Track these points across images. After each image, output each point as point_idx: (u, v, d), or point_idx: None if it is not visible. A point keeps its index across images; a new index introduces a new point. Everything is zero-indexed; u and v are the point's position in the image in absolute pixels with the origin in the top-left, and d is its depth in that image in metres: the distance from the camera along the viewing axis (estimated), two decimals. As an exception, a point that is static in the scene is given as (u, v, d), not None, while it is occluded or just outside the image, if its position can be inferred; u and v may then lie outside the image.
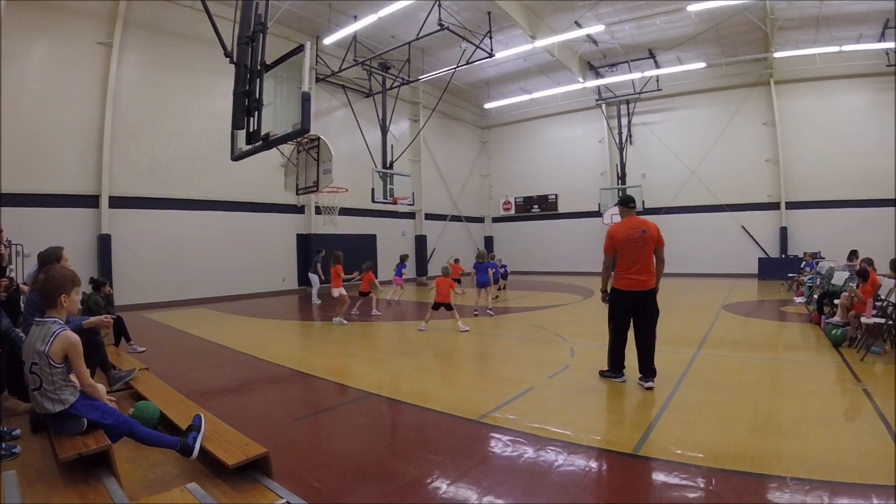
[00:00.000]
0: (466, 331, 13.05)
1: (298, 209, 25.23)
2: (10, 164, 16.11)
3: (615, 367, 7.96)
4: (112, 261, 18.76)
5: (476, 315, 15.54)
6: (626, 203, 8.14)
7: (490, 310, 16.20)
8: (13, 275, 9.45)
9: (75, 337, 4.15)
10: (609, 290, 8.07)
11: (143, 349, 10.83)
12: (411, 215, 32.77)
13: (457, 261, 18.03)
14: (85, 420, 4.11)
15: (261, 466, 4.32)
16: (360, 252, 27.65)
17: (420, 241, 33.71)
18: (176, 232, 20.86)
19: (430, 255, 33.83)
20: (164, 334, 13.83)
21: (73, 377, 4.19)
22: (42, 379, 3.98)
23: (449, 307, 13.53)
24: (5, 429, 4.85)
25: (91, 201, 18.67)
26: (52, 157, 17.74)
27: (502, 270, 23.20)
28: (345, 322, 14.34)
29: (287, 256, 25.58)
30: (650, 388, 7.33)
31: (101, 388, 4.43)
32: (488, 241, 40.36)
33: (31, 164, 17.15)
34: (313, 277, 21.30)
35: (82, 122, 18.52)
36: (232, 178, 18.75)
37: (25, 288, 9.22)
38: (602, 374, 8.13)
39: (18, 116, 16.79)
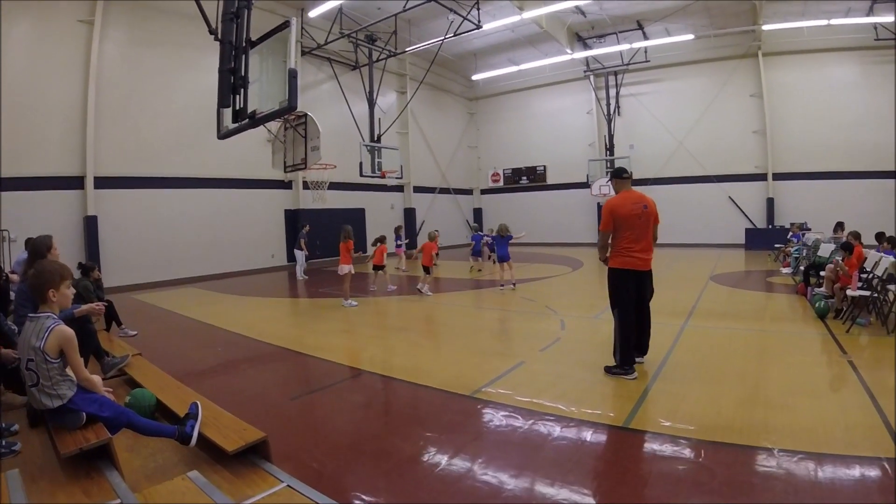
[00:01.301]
0: (428, 295, 13.99)
1: (286, 185, 25.12)
2: (-7, 149, 16.07)
3: (626, 360, 6.93)
4: (99, 242, 18.67)
5: (501, 289, 15.39)
6: (619, 174, 7.53)
7: (513, 283, 15.78)
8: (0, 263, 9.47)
9: (70, 331, 4.16)
10: (608, 272, 7.28)
11: (135, 333, 10.89)
12: (400, 188, 32.67)
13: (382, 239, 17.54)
14: (84, 414, 4.13)
15: (259, 451, 4.38)
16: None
17: (409, 214, 33.65)
18: (163, 211, 20.77)
19: (420, 228, 33.78)
20: (155, 316, 13.82)
21: (69, 371, 4.20)
22: (39, 375, 3.99)
23: (428, 271, 14.46)
24: (4, 425, 4.87)
25: (76, 182, 18.52)
26: (36, 139, 17.52)
27: (489, 240, 23.31)
28: (354, 303, 14.05)
29: (276, 232, 25.51)
30: (640, 363, 7.18)
31: (97, 379, 4.44)
32: (477, 213, 40.36)
33: (13, 147, 16.78)
34: (298, 254, 21.29)
35: (65, 101, 18.29)
36: (218, 155, 18.68)
37: (15, 277, 9.24)
38: (609, 370, 7.06)
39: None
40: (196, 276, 21.45)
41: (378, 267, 16.78)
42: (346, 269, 14.30)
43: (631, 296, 7.06)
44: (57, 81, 18.03)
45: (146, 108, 20.40)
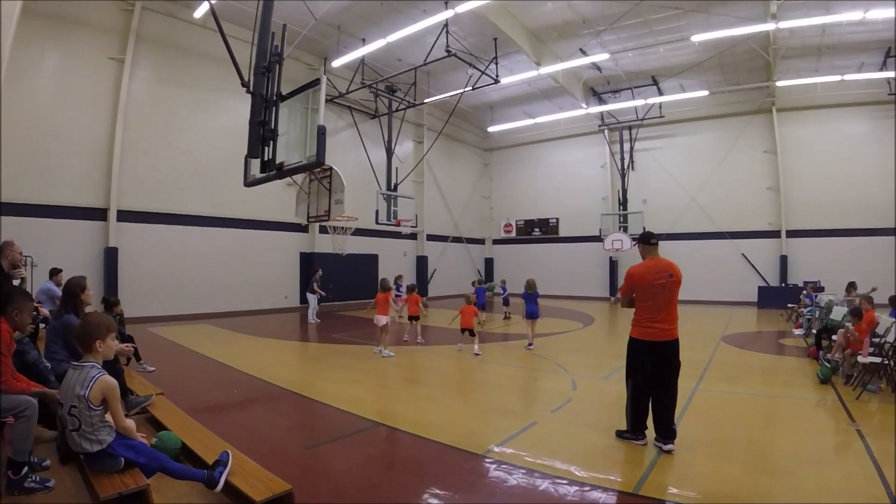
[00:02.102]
0: (479, 354, 13.43)
1: (302, 228, 25.39)
2: (18, 174, 16.58)
3: (636, 427, 6.81)
4: (118, 273, 19.04)
5: (530, 347, 14.59)
6: (646, 240, 7.13)
7: (531, 344, 14.79)
8: (21, 284, 9.63)
9: (113, 382, 4.39)
10: (628, 340, 6.96)
11: (153, 369, 11.07)
12: (413, 236, 32.82)
13: (413, 288, 17.36)
14: (122, 459, 4.32)
15: (284, 501, 4.49)
16: (362, 272, 27.94)
17: (421, 262, 33.86)
18: (181, 247, 21.16)
19: (431, 276, 33.95)
20: (171, 352, 14.01)
21: (108, 417, 4.38)
22: (81, 421, 4.18)
23: (472, 333, 13.79)
24: (35, 459, 5.00)
25: (99, 214, 18.95)
26: (61, 169, 18.02)
27: (500, 292, 23.58)
28: (391, 354, 13.80)
29: (290, 274, 25.77)
30: (670, 451, 6.43)
31: (132, 424, 4.61)
32: (489, 263, 40.62)
33: (39, 175, 17.43)
34: (311, 297, 21.39)
35: (92, 135, 18.83)
36: (238, 196, 18.96)
37: (42, 309, 9.44)
38: (620, 434, 6.98)
39: (28, 127, 17.14)
40: (210, 312, 21.69)
41: (414, 318, 16.55)
42: (383, 319, 14.13)
43: (647, 368, 6.68)
44: (85, 114, 18.60)
45: (170, 146, 20.95)
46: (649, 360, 6.68)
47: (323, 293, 21.43)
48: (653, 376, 6.69)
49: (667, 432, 6.59)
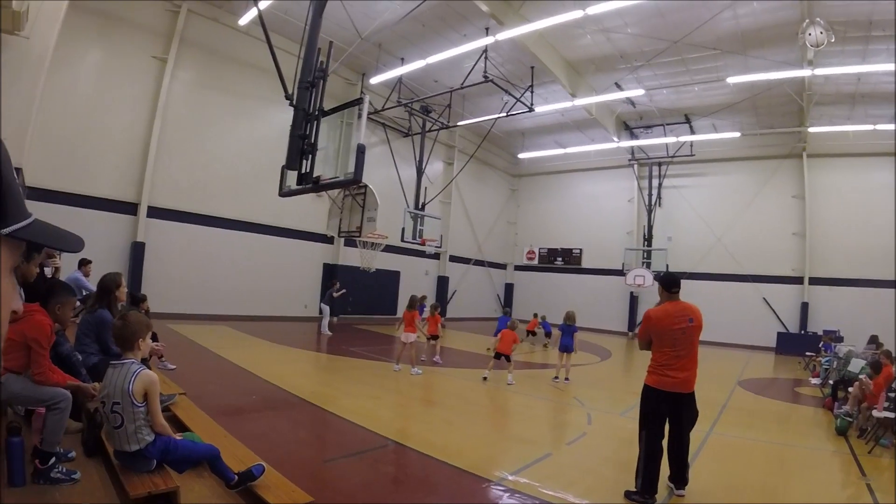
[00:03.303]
0: (511, 384, 13.15)
1: (328, 239, 25.55)
2: (54, 163, 16.94)
3: (647, 488, 6.12)
4: (143, 268, 19.29)
5: (556, 381, 14.39)
6: (667, 287, 6.60)
7: (567, 378, 14.51)
8: (56, 273, 9.80)
9: (154, 376, 4.48)
10: (642, 388, 6.55)
11: (174, 367, 11.19)
12: (436, 255, 32.82)
13: (435, 308, 17.42)
14: (154, 462, 4.41)
15: (305, 513, 4.53)
16: (383, 288, 28.07)
17: (442, 282, 33.91)
18: (207, 247, 21.41)
19: (451, 297, 33.99)
20: (192, 352, 14.16)
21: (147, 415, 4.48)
22: (124, 417, 4.26)
23: (508, 359, 13.51)
24: (61, 450, 5.08)
25: (130, 208, 19.27)
26: (97, 161, 18.38)
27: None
28: (419, 371, 13.97)
29: (312, 284, 25.90)
30: (680, 496, 6.28)
31: (166, 424, 4.71)
32: (509, 288, 40.52)
33: (75, 165, 17.78)
34: (325, 308, 21.45)
35: (130, 131, 19.20)
36: (267, 203, 19.13)
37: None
38: (629, 496, 6.23)
39: (68, 118, 17.50)
40: (229, 314, 21.82)
41: (433, 337, 16.64)
42: (411, 337, 14.24)
43: (662, 419, 6.34)
44: (125, 110, 18.96)
45: (204, 149, 21.28)
46: (665, 411, 6.34)
47: (335, 294, 21.53)
48: (670, 427, 6.40)
49: (681, 478, 6.37)
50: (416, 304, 14.98)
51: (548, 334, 23.45)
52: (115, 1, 18.23)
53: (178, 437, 4.85)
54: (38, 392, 4.78)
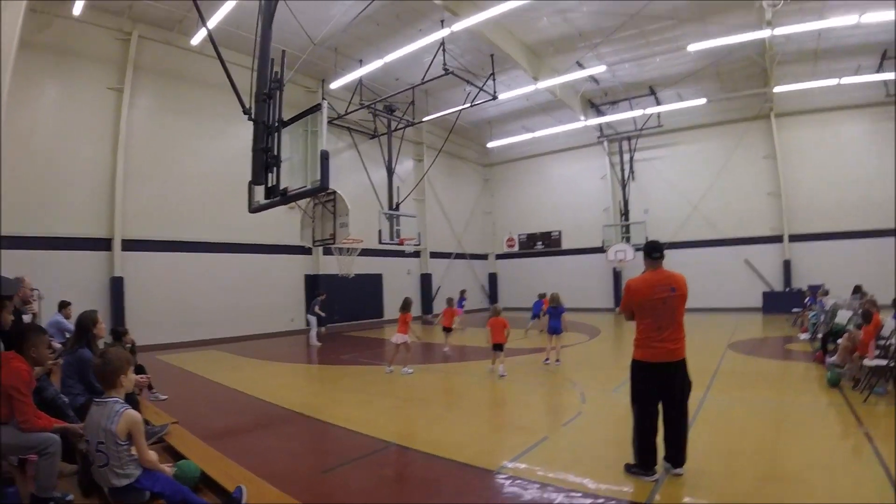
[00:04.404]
0: (504, 376, 12.88)
1: (306, 251, 25.30)
2: (22, 207, 16.60)
3: (644, 462, 6.14)
4: (125, 303, 19.11)
5: (547, 364, 14.48)
6: (649, 252, 6.49)
7: (558, 360, 14.69)
8: (33, 319, 9.74)
9: (137, 415, 4.45)
10: (631, 364, 6.42)
11: (165, 397, 11.07)
12: (416, 254, 32.88)
13: (450, 302, 17.57)
14: (147, 492, 4.37)
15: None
16: (367, 292, 28.04)
17: (425, 280, 33.93)
18: (187, 274, 21.26)
19: (436, 293, 33.98)
20: (182, 379, 14.06)
21: (133, 451, 4.45)
22: (109, 456, 4.23)
23: (501, 348, 13.30)
24: (59, 494, 5.03)
25: (103, 244, 19.06)
26: (64, 201, 18.15)
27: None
28: (410, 371, 14.09)
29: (295, 297, 25.84)
30: (678, 475, 6.09)
31: (155, 456, 4.67)
32: (492, 278, 40.65)
33: (43, 208, 17.56)
34: (311, 319, 21.33)
35: (94, 165, 18.98)
36: (242, 221, 18.88)
37: (53, 343, 9.52)
38: (628, 469, 6.28)
39: (30, 160, 17.26)
40: (218, 338, 21.71)
41: (447, 330, 17.02)
42: (402, 338, 14.19)
43: (653, 392, 6.14)
44: (86, 146, 18.76)
45: (173, 174, 21.10)
46: (655, 384, 6.14)
47: (322, 314, 21.42)
48: (663, 400, 6.14)
49: (677, 457, 6.14)
50: (408, 306, 14.90)
51: (535, 316, 23.42)
52: (64, 32, 18.07)
53: (169, 468, 4.84)
54: (27, 439, 4.74)
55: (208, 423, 9.34)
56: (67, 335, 10.17)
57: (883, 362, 9.65)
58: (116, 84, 19.46)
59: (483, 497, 5.86)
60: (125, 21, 19.62)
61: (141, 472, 4.39)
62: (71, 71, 18.51)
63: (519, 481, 6.18)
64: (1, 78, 11.04)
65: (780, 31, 19.47)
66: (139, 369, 9.60)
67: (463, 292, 22.37)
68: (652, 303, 6.17)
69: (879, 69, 23.97)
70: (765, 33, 19.91)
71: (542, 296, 22.93)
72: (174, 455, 6.24)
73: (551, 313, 14.89)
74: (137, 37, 19.84)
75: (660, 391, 6.13)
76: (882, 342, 10.11)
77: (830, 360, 11.65)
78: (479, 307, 35.15)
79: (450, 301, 17.56)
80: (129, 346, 10.71)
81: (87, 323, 6.78)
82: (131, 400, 5.82)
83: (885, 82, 24.87)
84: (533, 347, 17.71)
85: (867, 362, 9.81)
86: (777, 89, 25.65)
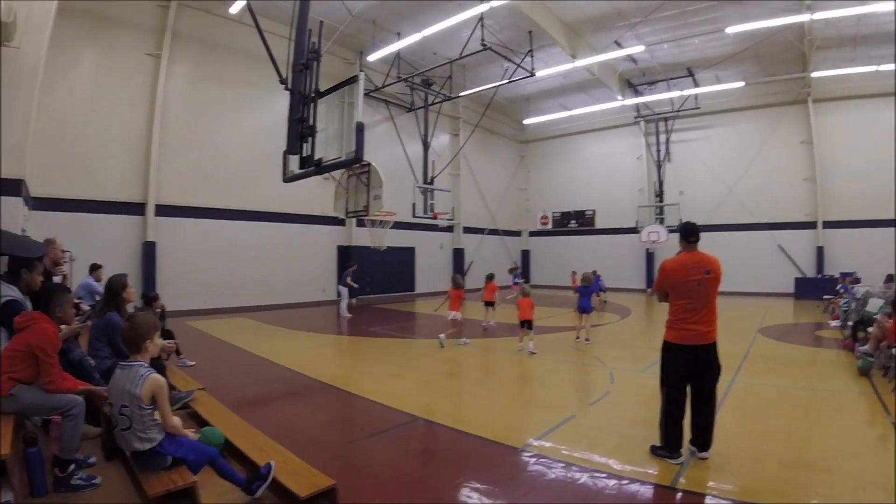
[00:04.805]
0: (534, 353, 12.90)
1: (339, 221, 25.34)
2: (58, 170, 16.95)
3: (671, 444, 6.07)
4: (156, 268, 19.35)
5: (577, 342, 14.53)
6: (685, 236, 6.34)
7: (587, 339, 14.67)
8: (63, 281, 9.82)
9: (162, 379, 4.47)
10: (662, 345, 6.31)
11: (193, 363, 11.17)
12: (449, 228, 32.95)
13: (491, 277, 17.65)
14: (170, 457, 4.40)
15: (329, 497, 4.54)
16: (398, 265, 28.10)
17: (458, 255, 33.95)
18: (219, 241, 21.42)
19: (468, 269, 33.97)
20: (211, 346, 14.17)
21: (156, 416, 4.47)
22: (132, 420, 4.27)
23: (530, 325, 13.34)
24: (81, 457, 5.08)
25: (137, 209, 19.24)
26: (100, 165, 18.34)
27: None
28: (467, 341, 14.38)
29: (328, 267, 25.96)
30: (703, 458, 6.01)
31: (179, 421, 4.69)
32: (525, 255, 40.67)
33: (78, 171, 17.75)
34: (342, 290, 21.49)
35: (130, 131, 19.13)
36: (275, 191, 18.89)
37: (83, 305, 9.61)
38: (654, 451, 6.22)
39: (67, 124, 17.44)
40: (247, 305, 21.92)
41: (489, 303, 17.05)
42: (453, 314, 14.47)
43: (682, 374, 6.07)
44: (123, 111, 18.86)
45: (208, 142, 21.19)
46: (684, 366, 6.04)
47: (355, 285, 21.46)
48: (692, 384, 6.07)
49: (703, 441, 6.07)
50: (460, 283, 15.12)
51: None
52: (104, 1, 18.13)
53: (192, 433, 4.85)
54: (51, 400, 4.78)
55: (235, 390, 9.38)
56: (97, 298, 10.25)
57: (911, 351, 9.46)
58: (154, 51, 19.55)
59: (508, 474, 5.80)
60: (165, -12, 19.67)
61: (164, 437, 4.41)
62: (109, 37, 18.57)
63: (544, 459, 6.14)
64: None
65: (819, 15, 19.25)
66: (167, 334, 9.73)
67: (516, 268, 22.35)
68: (686, 284, 6.05)
69: (919, 56, 23.50)
70: (804, 17, 19.70)
71: (592, 274, 23.06)
72: (199, 421, 6.30)
73: (581, 292, 14.76)
74: (176, 4, 19.87)
75: (689, 374, 6.04)
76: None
77: (861, 348, 11.47)
78: (509, 283, 35.13)
79: (490, 276, 17.45)
80: (158, 311, 10.83)
81: (116, 287, 6.82)
82: (158, 365, 5.88)
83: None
84: (564, 326, 17.63)
85: (895, 351, 9.61)
86: (815, 74, 25.49)
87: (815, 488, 5.33)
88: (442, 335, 14.13)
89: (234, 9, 19.33)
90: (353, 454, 6.52)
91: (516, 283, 24.36)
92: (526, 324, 13.35)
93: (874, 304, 13.43)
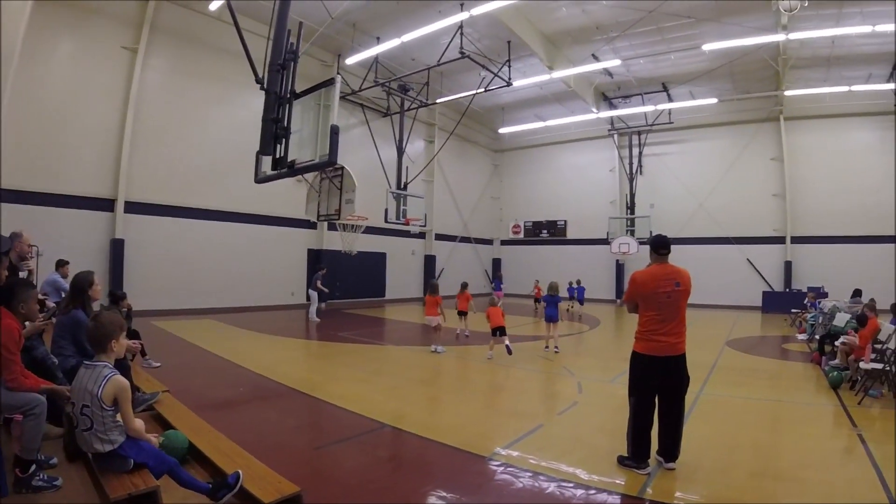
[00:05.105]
0: (511, 354, 13.12)
1: (311, 224, 25.34)
2: (27, 162, 16.63)
3: (638, 454, 6.07)
4: (124, 266, 19.07)
5: (546, 352, 14.58)
6: (657, 248, 6.39)
7: (556, 348, 14.67)
8: (28, 276, 9.69)
9: (125, 381, 4.40)
10: (631, 355, 6.35)
11: (158, 364, 11.06)
12: (421, 235, 33.02)
13: (465, 286, 17.73)
14: (132, 460, 4.32)
15: (293, 503, 4.49)
16: (369, 270, 28.03)
17: (429, 261, 34.01)
18: (188, 241, 21.21)
19: (439, 275, 33.88)
20: (177, 348, 14.00)
21: (118, 418, 4.39)
22: (93, 420, 4.20)
23: (503, 332, 13.48)
24: (42, 457, 4.99)
25: (107, 205, 18.99)
26: (71, 158, 18.09)
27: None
28: (443, 349, 14.34)
29: (297, 271, 25.82)
30: (670, 469, 6.04)
31: (142, 425, 4.61)
32: (496, 264, 40.76)
33: (48, 163, 17.50)
34: (312, 294, 21.23)
35: (102, 124, 18.89)
36: (247, 191, 18.77)
37: (49, 302, 9.46)
38: (622, 461, 6.20)
39: (39, 114, 17.20)
40: (215, 307, 21.70)
41: (463, 313, 17.06)
42: (435, 320, 14.58)
43: (651, 385, 6.10)
44: (96, 103, 18.61)
45: (181, 138, 21.02)
46: (653, 377, 6.09)
47: (325, 290, 21.36)
48: (660, 394, 6.11)
49: (671, 451, 6.11)
50: (436, 289, 15.12)
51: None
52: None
53: (154, 438, 4.78)
54: (12, 398, 4.67)
55: (201, 393, 9.27)
56: (63, 294, 10.11)
57: (879, 366, 9.71)
58: (131, 43, 19.36)
59: (475, 483, 5.77)
60: (146, -20, 19.52)
61: (125, 440, 4.34)
62: (86, 26, 18.38)
63: (511, 468, 6.12)
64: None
65: (794, 35, 19.71)
66: (133, 334, 9.62)
67: (499, 275, 22.51)
68: (656, 296, 6.10)
69: (890, 78, 24.22)
70: (779, 37, 20.13)
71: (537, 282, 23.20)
72: (164, 424, 6.23)
73: (548, 301, 14.84)
74: (156, -2, 19.73)
75: (658, 385, 6.09)
76: (879, 346, 10.16)
77: (832, 362, 11.64)
78: (482, 292, 35.16)
79: (464, 286, 17.46)
80: (124, 310, 10.67)
81: (82, 284, 6.70)
82: (122, 366, 5.78)
83: (895, 91, 24.93)
84: (533, 335, 17.67)
85: (863, 365, 9.84)
86: (788, 93, 25.96)
87: (782, 498, 5.39)
88: (437, 347, 14.29)
89: (214, 5, 19.32)
90: (319, 460, 6.44)
91: (499, 289, 24.68)
92: (499, 330, 13.43)
93: (841, 319, 13.66)
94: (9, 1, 11.69)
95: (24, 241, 8.29)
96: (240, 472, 4.68)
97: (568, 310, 24.74)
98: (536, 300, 24.20)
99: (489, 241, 41.02)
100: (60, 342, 6.38)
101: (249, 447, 5.52)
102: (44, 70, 17.37)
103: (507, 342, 13.33)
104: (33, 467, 4.63)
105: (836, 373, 10.58)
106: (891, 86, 24.25)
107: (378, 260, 29.78)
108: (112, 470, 4.31)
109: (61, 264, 12.37)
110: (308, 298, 21.61)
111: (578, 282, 26.35)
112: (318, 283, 20.97)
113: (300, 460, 6.33)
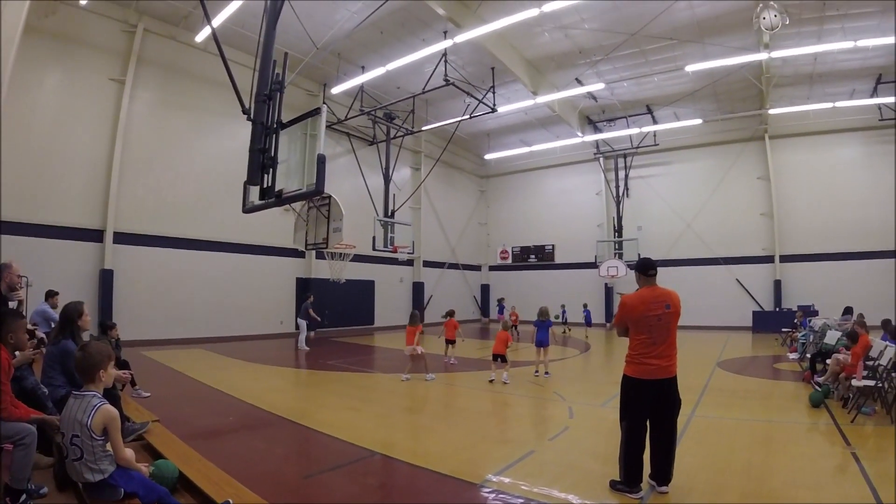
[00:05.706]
0: (507, 383, 13.19)
1: (299, 253, 25.28)
2: (16, 193, 16.53)
3: (631, 478, 5.99)
4: (113, 296, 19.02)
5: (536, 376, 14.52)
6: (644, 270, 6.36)
7: (547, 372, 14.77)
8: (18, 306, 9.66)
9: (114, 411, 4.38)
10: (622, 379, 6.29)
11: (148, 394, 11.02)
12: (409, 262, 32.98)
13: (450, 314, 17.76)
14: (122, 490, 4.31)
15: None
16: (358, 298, 27.98)
17: (417, 288, 33.93)
18: (177, 270, 21.18)
19: (427, 303, 33.93)
20: (167, 377, 13.95)
21: (108, 448, 4.38)
22: (83, 450, 4.18)
23: (504, 359, 13.53)
24: (32, 486, 4.97)
25: (95, 235, 19.00)
26: (59, 189, 18.12)
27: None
28: (433, 376, 14.25)
29: (286, 299, 25.79)
30: (663, 492, 5.97)
31: (132, 454, 4.61)
32: (484, 290, 40.74)
33: (37, 195, 17.53)
34: (301, 323, 21.18)
35: (90, 156, 18.95)
36: (235, 220, 18.75)
37: (38, 332, 9.42)
38: (614, 485, 6.13)
39: (27, 145, 17.22)
40: (205, 336, 21.62)
41: (450, 342, 16.99)
42: (413, 349, 14.44)
43: (643, 409, 6.03)
44: (84, 135, 18.69)
45: (169, 169, 21.07)
46: (645, 400, 6.02)
47: (318, 318, 21.29)
48: (652, 417, 6.04)
49: (663, 475, 6.04)
50: (416, 320, 14.97)
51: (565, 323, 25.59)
52: (70, 21, 18.12)
53: (145, 468, 4.77)
54: (2, 428, 4.66)
55: (190, 423, 9.22)
56: (53, 325, 10.08)
57: (871, 383, 9.69)
58: (119, 75, 19.49)
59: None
60: (131, 13, 19.73)
61: (115, 469, 4.32)
62: (73, 59, 18.51)
63: (503, 495, 6.08)
64: (1, 65, 10.95)
65: (777, 53, 19.98)
66: (123, 364, 9.58)
67: (501, 300, 22.50)
68: (647, 319, 6.05)
69: (874, 93, 24.40)
70: (762, 56, 20.38)
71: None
72: (154, 454, 6.20)
73: (538, 326, 14.84)
74: (142, 29, 19.94)
75: (650, 408, 6.03)
76: (870, 363, 10.13)
77: (817, 378, 11.66)
78: (469, 318, 35.10)
79: (450, 313, 17.43)
80: (113, 340, 10.65)
81: (72, 314, 6.69)
82: (112, 395, 5.77)
83: (879, 106, 25.21)
84: (522, 360, 17.63)
85: (855, 383, 9.80)
86: (772, 111, 26.14)
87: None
88: (406, 375, 14.10)
89: (200, 37, 19.44)
90: (308, 488, 6.41)
91: (501, 314, 24.98)
92: (499, 357, 13.50)
93: (832, 337, 13.75)
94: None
95: (13, 271, 8.27)
96: (230, 500, 4.67)
97: (564, 332, 24.87)
98: (514, 326, 24.29)
99: (477, 268, 41.02)
100: (50, 372, 6.36)
101: (239, 476, 5.50)
102: (32, 101, 17.43)
103: (504, 375, 13.50)
104: (23, 497, 4.62)
105: (814, 391, 10.74)
106: (874, 101, 24.49)
107: (366, 288, 29.73)
108: (102, 499, 4.28)
109: (51, 295, 12.35)
110: (297, 327, 21.53)
111: (585, 305, 26.52)
112: (311, 311, 20.90)
113: (290, 489, 6.29)
